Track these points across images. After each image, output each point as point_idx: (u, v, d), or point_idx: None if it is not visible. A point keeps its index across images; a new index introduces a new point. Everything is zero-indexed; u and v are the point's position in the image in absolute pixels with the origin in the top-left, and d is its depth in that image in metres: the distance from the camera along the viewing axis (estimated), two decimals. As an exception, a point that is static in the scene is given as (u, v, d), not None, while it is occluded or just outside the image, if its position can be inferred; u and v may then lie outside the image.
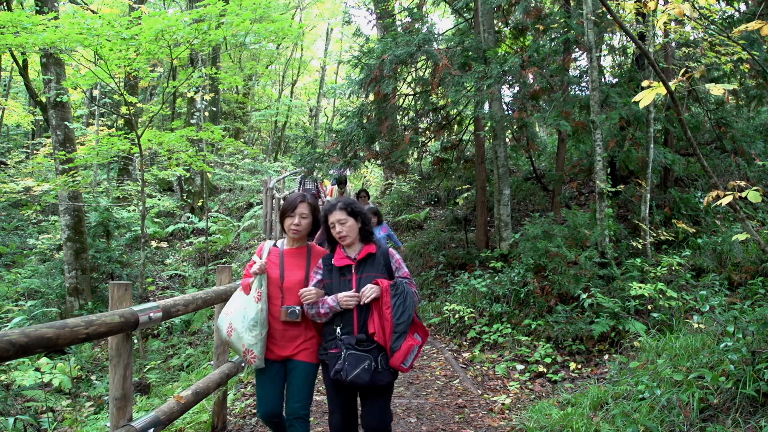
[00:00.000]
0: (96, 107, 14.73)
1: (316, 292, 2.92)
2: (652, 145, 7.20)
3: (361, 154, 9.90)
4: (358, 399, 3.01)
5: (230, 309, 3.11)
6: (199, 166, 10.77)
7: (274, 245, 3.22)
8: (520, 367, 5.87)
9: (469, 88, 8.54)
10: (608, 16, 7.49)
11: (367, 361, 2.77)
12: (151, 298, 9.72)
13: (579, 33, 7.52)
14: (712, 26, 5.83)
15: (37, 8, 8.84)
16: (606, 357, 5.63)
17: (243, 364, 4.25)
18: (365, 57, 9.57)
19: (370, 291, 2.81)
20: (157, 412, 3.03)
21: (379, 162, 11.77)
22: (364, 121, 9.76)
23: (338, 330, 2.87)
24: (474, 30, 9.58)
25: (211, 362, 4.60)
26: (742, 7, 8.99)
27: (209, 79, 12.74)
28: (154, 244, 13.50)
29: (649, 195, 7.21)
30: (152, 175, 13.27)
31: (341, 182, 10.81)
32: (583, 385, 4.93)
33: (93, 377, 6.87)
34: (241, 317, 3.01)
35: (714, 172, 7.67)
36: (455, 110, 10.78)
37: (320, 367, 3.09)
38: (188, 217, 15.30)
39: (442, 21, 20.25)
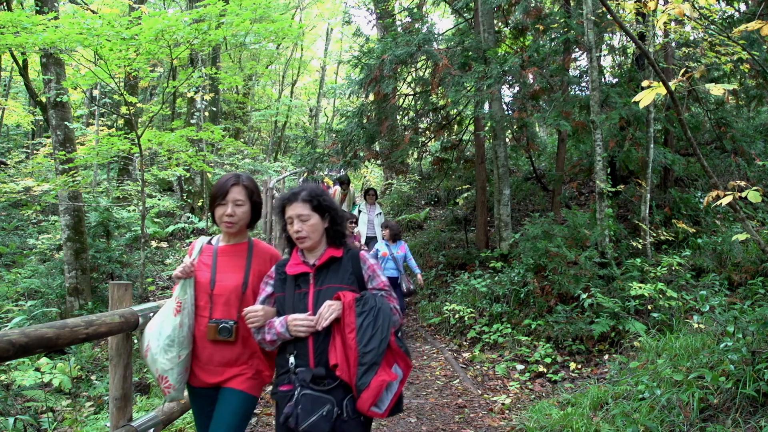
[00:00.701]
0: (96, 107, 14.73)
1: (264, 312, 2.23)
2: (652, 145, 7.20)
3: (361, 154, 9.91)
4: None
5: (153, 323, 2.46)
6: (199, 166, 10.77)
7: (209, 242, 2.56)
8: (520, 367, 5.87)
9: (469, 88, 8.54)
10: (608, 16, 7.49)
11: (328, 406, 2.07)
12: (151, 298, 9.72)
13: (579, 33, 7.52)
14: (712, 26, 5.83)
15: (37, 8, 8.83)
16: (606, 357, 5.62)
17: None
18: (365, 57, 9.57)
19: (327, 311, 2.11)
20: (156, 412, 3.00)
21: (379, 162, 11.78)
22: (364, 121, 9.76)
23: (292, 360, 2.17)
24: (474, 30, 9.58)
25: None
26: (742, 7, 8.99)
27: (209, 79, 12.74)
28: (154, 244, 13.49)
29: (649, 195, 7.21)
30: (152, 175, 13.26)
31: (343, 182, 10.76)
32: (583, 385, 4.93)
33: (93, 377, 6.86)
34: (156, 334, 2.37)
35: (714, 172, 7.66)
36: (455, 110, 10.78)
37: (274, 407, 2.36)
38: (188, 217, 15.30)
39: (442, 21, 20.26)
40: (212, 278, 2.42)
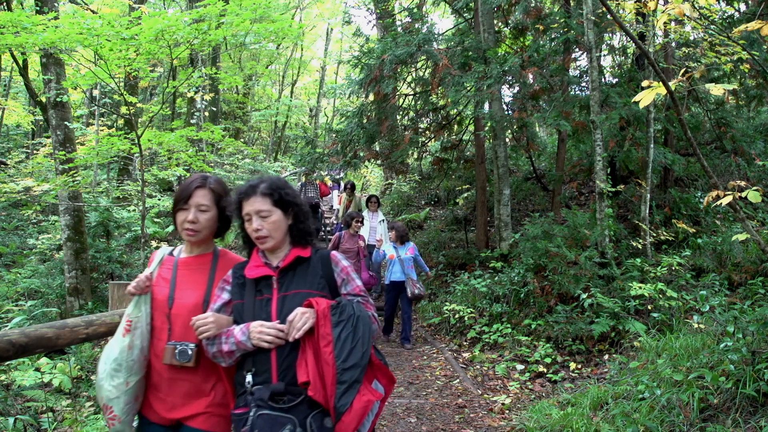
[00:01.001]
0: (96, 107, 14.73)
1: (217, 320, 1.92)
2: (652, 145, 7.20)
3: (361, 154, 9.91)
4: None
5: (107, 345, 2.15)
6: (199, 166, 10.77)
7: (171, 253, 2.24)
8: (520, 367, 5.87)
9: (469, 88, 8.54)
10: (608, 16, 7.49)
11: (288, 426, 1.79)
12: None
13: (579, 33, 7.52)
14: (712, 26, 5.83)
15: (37, 8, 8.83)
16: (606, 357, 5.63)
17: None
18: (365, 57, 9.57)
19: (300, 320, 1.82)
20: None
21: (379, 162, 11.78)
22: (364, 121, 9.76)
23: (249, 378, 1.88)
24: (474, 30, 9.58)
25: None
26: (742, 7, 8.99)
27: (209, 79, 12.74)
28: (154, 244, 13.49)
29: (649, 195, 7.21)
30: (152, 175, 13.26)
31: (348, 187, 10.68)
32: (583, 385, 4.93)
33: (93, 377, 6.87)
34: (104, 357, 2.07)
35: (714, 172, 7.67)
36: (455, 110, 10.78)
37: None
38: (188, 217, 15.28)
39: (442, 21, 20.27)
40: (170, 295, 2.10)
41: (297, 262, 2.00)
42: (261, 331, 1.85)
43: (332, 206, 14.38)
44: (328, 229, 12.19)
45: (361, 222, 7.59)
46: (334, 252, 2.09)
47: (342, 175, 14.56)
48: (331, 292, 1.99)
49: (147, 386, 2.11)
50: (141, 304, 2.10)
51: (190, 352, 2.02)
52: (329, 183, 13.25)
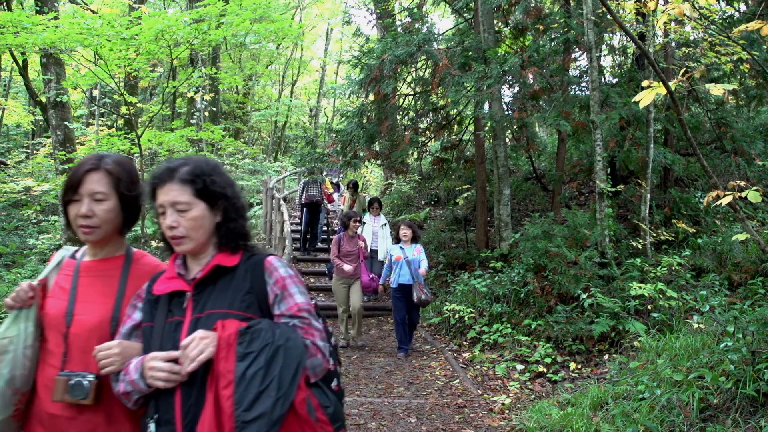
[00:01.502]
0: (96, 107, 14.74)
1: (123, 350, 1.49)
2: (652, 145, 7.20)
3: (361, 154, 9.90)
4: None
5: None
6: (199, 166, 10.75)
7: (73, 255, 1.75)
8: (520, 367, 5.87)
9: (469, 88, 8.54)
10: (608, 16, 7.49)
11: None
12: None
13: (579, 33, 7.52)
14: (712, 26, 5.83)
15: (37, 8, 8.84)
16: (606, 357, 5.63)
17: None
18: (365, 57, 9.57)
19: (196, 347, 1.36)
20: None
21: (379, 162, 11.77)
22: (364, 121, 9.76)
23: (151, 428, 1.44)
24: (474, 30, 9.58)
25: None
26: (742, 7, 8.99)
27: (209, 79, 12.75)
28: (154, 244, 13.49)
29: (649, 195, 7.21)
30: (152, 175, 13.27)
31: (349, 185, 10.64)
32: (583, 385, 4.93)
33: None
34: None
35: (714, 172, 7.66)
36: (455, 110, 10.78)
37: None
38: (188, 217, 15.29)
39: (442, 21, 20.25)
40: (69, 310, 1.61)
41: (218, 273, 1.52)
42: (152, 366, 1.40)
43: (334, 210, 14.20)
44: (332, 228, 12.10)
45: (359, 222, 7.30)
46: (270, 258, 1.56)
47: (341, 177, 14.45)
48: (262, 310, 1.50)
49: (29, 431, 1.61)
50: (20, 320, 1.59)
51: (86, 384, 1.51)
52: (330, 189, 13.04)
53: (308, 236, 11.10)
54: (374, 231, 8.82)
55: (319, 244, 11.35)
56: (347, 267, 6.81)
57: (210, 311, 1.47)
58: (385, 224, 9.03)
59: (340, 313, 7.11)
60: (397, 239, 7.05)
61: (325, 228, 11.58)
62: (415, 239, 6.82)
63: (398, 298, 6.70)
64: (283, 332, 1.39)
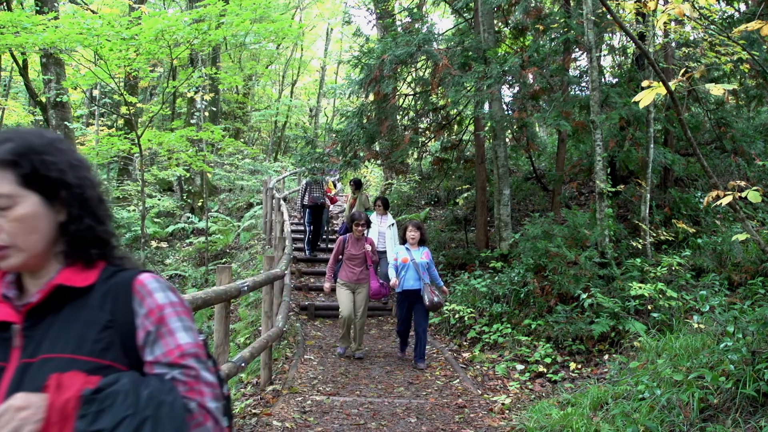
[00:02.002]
0: (96, 107, 14.74)
1: None
2: (652, 145, 7.20)
3: (361, 154, 9.90)
4: None
5: None
6: (199, 166, 10.77)
7: None
8: (520, 367, 5.87)
9: (469, 88, 8.54)
10: (608, 16, 7.49)
11: None
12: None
13: (579, 33, 7.52)
14: (712, 26, 5.83)
15: (37, 8, 8.84)
16: (606, 357, 5.63)
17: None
18: (365, 57, 9.57)
19: (9, 423, 0.88)
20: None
21: (379, 162, 11.77)
22: (364, 121, 9.76)
23: None
24: (474, 30, 9.58)
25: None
26: (742, 7, 9.00)
27: (209, 79, 12.75)
28: (154, 244, 13.50)
29: (649, 195, 7.21)
30: (152, 175, 13.29)
31: (351, 184, 10.55)
32: (583, 385, 4.93)
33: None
34: None
35: (714, 172, 7.66)
36: (455, 110, 10.78)
37: None
38: (188, 217, 15.30)
39: (442, 21, 20.24)
40: None
41: (63, 297, 1.03)
42: None
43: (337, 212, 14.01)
44: (332, 228, 11.98)
45: (364, 225, 6.47)
46: (143, 277, 1.07)
47: (338, 177, 14.26)
48: (129, 357, 1.03)
49: None
50: None
51: None
52: (333, 190, 12.86)
53: (310, 237, 11.07)
54: (380, 232, 8.16)
55: (319, 244, 11.32)
56: (327, 285, 6.45)
57: (45, 355, 0.99)
58: (393, 224, 8.39)
59: (342, 318, 6.39)
60: (403, 240, 6.60)
61: (325, 228, 11.55)
62: (423, 242, 6.32)
63: (402, 307, 6.29)
64: (153, 395, 0.93)
